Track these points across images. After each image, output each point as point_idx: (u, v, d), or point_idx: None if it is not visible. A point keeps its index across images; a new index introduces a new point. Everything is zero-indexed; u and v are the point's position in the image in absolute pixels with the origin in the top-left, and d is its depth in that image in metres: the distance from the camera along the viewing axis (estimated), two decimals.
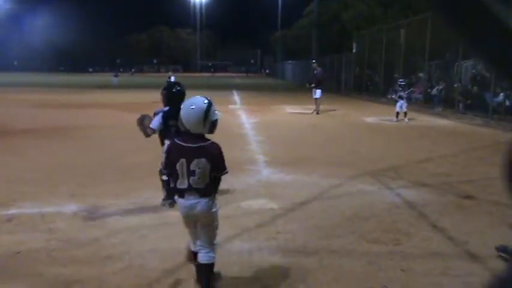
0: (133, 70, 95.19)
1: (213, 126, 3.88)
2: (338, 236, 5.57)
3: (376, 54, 29.89)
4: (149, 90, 30.89)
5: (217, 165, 3.84)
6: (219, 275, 4.28)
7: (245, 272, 4.54)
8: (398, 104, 17.56)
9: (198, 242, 4.00)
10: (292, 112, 21.45)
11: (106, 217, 6.13)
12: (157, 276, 4.41)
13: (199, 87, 38.59)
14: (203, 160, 3.75)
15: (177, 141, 3.85)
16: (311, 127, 16.28)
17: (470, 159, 10.31)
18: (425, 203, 6.91)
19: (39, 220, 5.98)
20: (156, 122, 6.16)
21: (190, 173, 3.74)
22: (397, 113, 17.53)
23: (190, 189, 3.78)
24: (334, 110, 22.03)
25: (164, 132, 6.20)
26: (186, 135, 3.84)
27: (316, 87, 20.80)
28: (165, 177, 6.06)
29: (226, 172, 3.95)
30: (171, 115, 5.88)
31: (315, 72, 21.65)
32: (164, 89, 6.57)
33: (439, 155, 10.84)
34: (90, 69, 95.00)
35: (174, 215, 6.13)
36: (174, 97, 6.31)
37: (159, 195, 6.78)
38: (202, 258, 3.96)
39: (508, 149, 0.50)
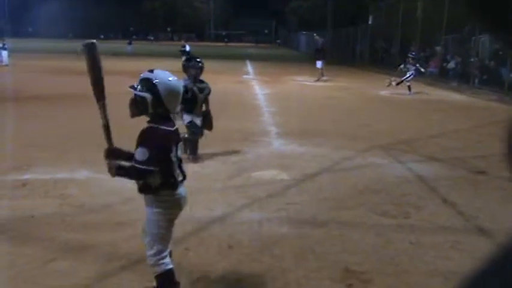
0: (152, 38, 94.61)
1: None
2: (348, 208, 5.59)
3: (392, 27, 29.47)
4: (164, 58, 30.88)
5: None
6: None
7: (255, 242, 4.58)
8: (408, 77, 17.42)
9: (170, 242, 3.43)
10: (305, 83, 21.32)
11: (118, 184, 6.17)
12: None
13: (213, 56, 38.42)
14: (181, 143, 3.44)
15: (164, 127, 3.24)
16: (324, 99, 16.19)
17: (483, 134, 10.22)
18: (436, 178, 6.89)
19: (52, 186, 6.06)
20: None
21: (180, 161, 3.34)
22: (409, 86, 17.37)
23: (182, 180, 3.35)
24: (348, 83, 21.86)
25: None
26: (164, 118, 3.29)
27: (320, 58, 22.11)
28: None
29: None
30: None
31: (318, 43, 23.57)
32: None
33: (453, 130, 10.76)
34: (102, 36, 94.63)
35: (186, 184, 6.17)
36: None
37: None
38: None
39: (510, 120, 0.49)
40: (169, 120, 3.31)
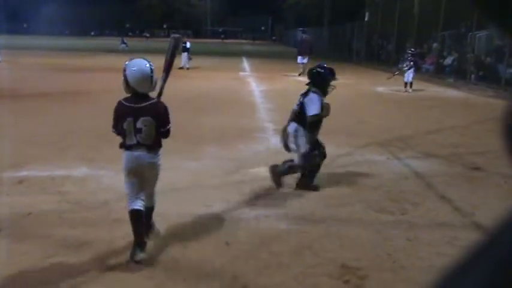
0: (147, 35, 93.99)
1: (155, 84, 4.21)
2: (345, 204, 5.59)
3: (389, 23, 29.48)
4: (160, 55, 30.73)
5: (162, 121, 4.17)
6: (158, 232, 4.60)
7: (252, 238, 4.59)
8: (405, 74, 17.37)
9: (143, 193, 4.23)
10: (301, 80, 21.29)
11: (115, 181, 6.18)
12: (165, 240, 4.47)
13: (209, 53, 38.35)
14: (149, 118, 4.08)
15: (124, 102, 4.14)
16: None
17: (480, 130, 10.24)
18: (433, 174, 6.91)
19: (50, 183, 6.05)
20: (317, 106, 5.90)
21: (137, 131, 4.05)
22: (406, 83, 17.30)
23: (138, 145, 4.09)
24: (345, 79, 21.85)
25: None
26: (132, 96, 4.13)
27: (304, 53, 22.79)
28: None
29: (169, 127, 4.24)
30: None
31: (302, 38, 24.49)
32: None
33: (449, 126, 10.78)
34: (92, 33, 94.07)
35: (183, 181, 6.18)
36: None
37: (168, 160, 6.82)
38: (147, 203, 4.28)
39: (506, 113, 0.49)
40: (138, 99, 4.12)
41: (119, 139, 4.09)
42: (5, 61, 24.29)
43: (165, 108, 4.24)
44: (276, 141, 8.83)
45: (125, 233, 4.57)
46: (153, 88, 4.20)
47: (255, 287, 3.77)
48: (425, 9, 25.15)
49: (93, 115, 10.94)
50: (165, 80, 4.44)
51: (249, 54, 42.19)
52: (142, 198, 4.22)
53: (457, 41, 22.77)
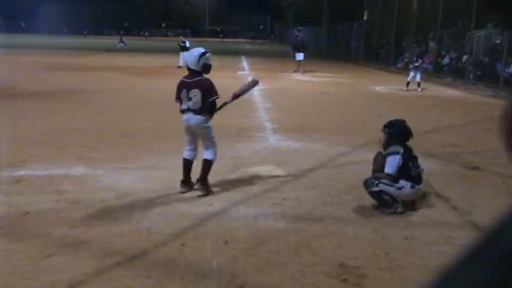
0: (147, 34, 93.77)
1: (204, 67, 5.69)
2: (343, 203, 5.60)
3: (387, 22, 29.48)
4: (159, 54, 30.74)
5: (208, 93, 5.59)
6: (212, 191, 5.75)
7: (250, 237, 4.59)
8: (411, 74, 17.32)
9: (203, 147, 5.80)
10: (300, 79, 21.32)
11: (113, 180, 6.18)
12: (163, 239, 4.47)
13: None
14: (196, 90, 5.54)
15: (183, 79, 5.70)
16: (320, 94, 16.19)
17: (478, 130, 10.26)
18: (431, 173, 6.90)
19: (48, 182, 6.05)
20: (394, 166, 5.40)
21: (189, 99, 5.55)
22: (408, 83, 17.25)
23: (188, 110, 5.59)
24: (344, 78, 21.87)
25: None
26: (189, 73, 5.68)
27: (300, 51, 23.64)
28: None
29: (217, 97, 5.67)
30: (409, 155, 5.57)
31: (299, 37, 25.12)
32: (388, 127, 5.89)
33: (447, 126, 10.78)
34: (85, 32, 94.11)
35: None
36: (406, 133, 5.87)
37: (167, 159, 6.83)
38: (204, 156, 5.79)
39: (505, 113, 0.50)
40: (191, 75, 5.66)
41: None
42: (3, 60, 24.25)
43: (210, 83, 5.64)
44: (275, 140, 8.85)
45: (123, 232, 4.58)
46: (199, 67, 5.60)
47: (253, 286, 3.77)
48: (424, 8, 25.14)
49: (91, 114, 10.95)
50: (226, 103, 5.96)
51: (248, 53, 42.18)
52: (193, 150, 5.78)
53: (456, 40, 22.76)
